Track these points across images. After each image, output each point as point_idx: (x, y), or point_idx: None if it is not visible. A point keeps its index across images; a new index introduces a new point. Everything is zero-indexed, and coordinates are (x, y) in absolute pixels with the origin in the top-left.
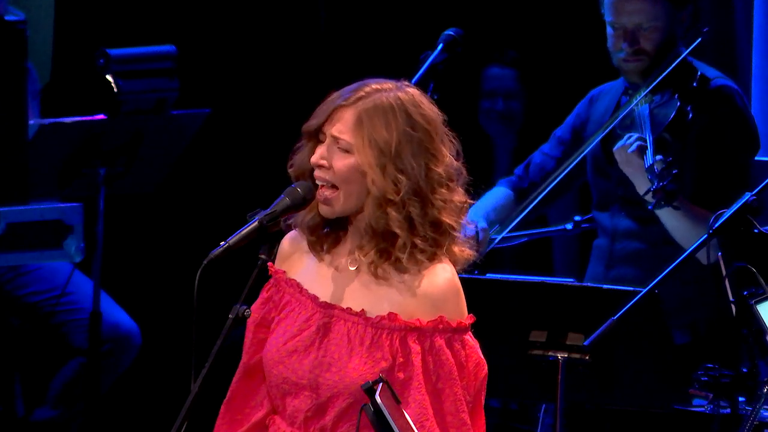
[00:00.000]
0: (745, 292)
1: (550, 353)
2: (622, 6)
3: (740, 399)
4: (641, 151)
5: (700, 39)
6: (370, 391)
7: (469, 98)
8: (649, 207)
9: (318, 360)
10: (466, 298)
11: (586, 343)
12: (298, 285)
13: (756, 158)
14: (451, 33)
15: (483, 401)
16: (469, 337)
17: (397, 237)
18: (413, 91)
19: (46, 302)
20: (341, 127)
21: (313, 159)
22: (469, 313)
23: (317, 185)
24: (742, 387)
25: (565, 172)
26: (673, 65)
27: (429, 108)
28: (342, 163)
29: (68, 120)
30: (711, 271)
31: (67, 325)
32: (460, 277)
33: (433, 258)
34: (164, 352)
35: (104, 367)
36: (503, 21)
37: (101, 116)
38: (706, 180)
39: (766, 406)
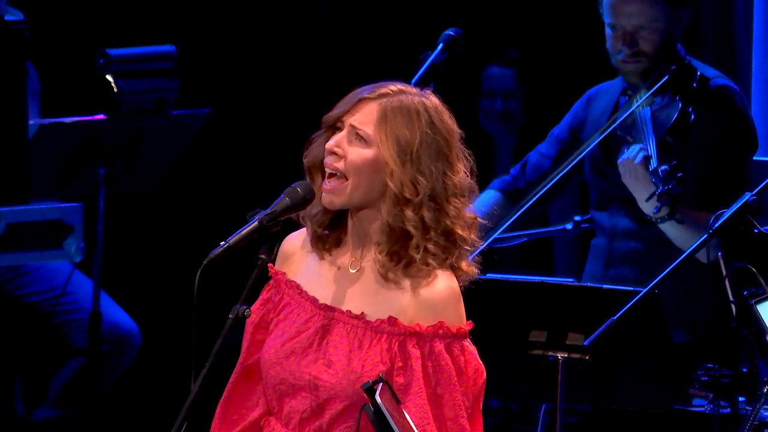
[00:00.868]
0: (745, 292)
1: (550, 353)
2: (621, 8)
3: (740, 399)
4: (647, 161)
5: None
6: (370, 391)
7: (469, 98)
8: (654, 211)
9: (316, 362)
10: (466, 299)
11: (586, 343)
12: (298, 286)
13: (756, 158)
14: (451, 33)
15: (481, 407)
16: (468, 343)
17: (411, 238)
18: (436, 100)
19: (46, 302)
20: (363, 118)
21: (329, 144)
22: (469, 313)
23: (321, 179)
24: (742, 387)
25: (563, 173)
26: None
27: (449, 119)
28: (358, 153)
29: (68, 120)
30: (711, 271)
31: (67, 325)
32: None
33: (442, 267)
34: (164, 352)
35: (104, 367)
36: (503, 21)
37: (101, 116)
38: (706, 180)
39: (766, 406)
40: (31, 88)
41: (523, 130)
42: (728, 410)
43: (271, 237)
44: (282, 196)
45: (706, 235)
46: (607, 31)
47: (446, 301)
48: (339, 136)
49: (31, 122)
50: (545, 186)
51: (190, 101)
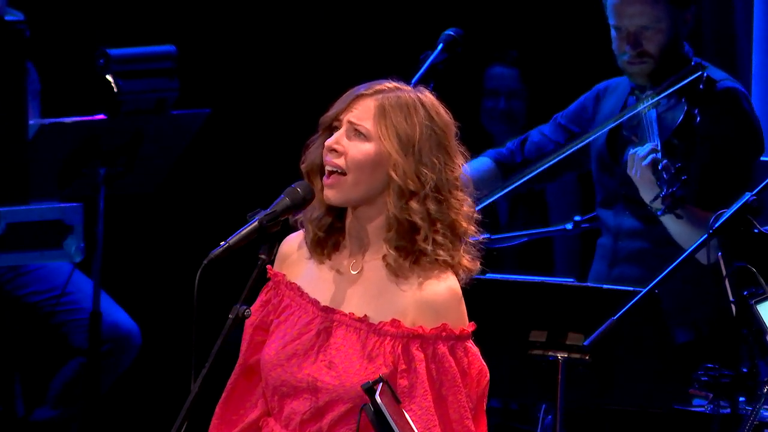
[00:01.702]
0: (745, 292)
1: (550, 353)
2: (623, 9)
3: (740, 399)
4: (654, 164)
5: (674, 88)
6: (370, 391)
7: (471, 98)
8: (658, 213)
9: (317, 364)
10: (466, 299)
11: (586, 343)
12: (299, 288)
13: None
14: (451, 33)
15: (485, 408)
16: (471, 345)
17: (419, 231)
18: (431, 95)
19: (46, 302)
20: (361, 114)
21: (328, 141)
22: (470, 313)
23: (321, 182)
24: (742, 387)
25: (555, 160)
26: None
27: (445, 113)
28: (358, 149)
29: (68, 120)
30: (711, 270)
31: (67, 325)
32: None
33: (451, 260)
34: (164, 352)
35: (104, 367)
36: (505, 21)
37: (101, 116)
38: (711, 182)
39: (766, 406)
40: (31, 88)
41: (526, 130)
42: (728, 410)
43: (271, 237)
44: (282, 196)
45: (706, 235)
46: (612, 32)
47: (448, 303)
48: (338, 134)
49: (31, 122)
50: (537, 169)
51: (190, 101)
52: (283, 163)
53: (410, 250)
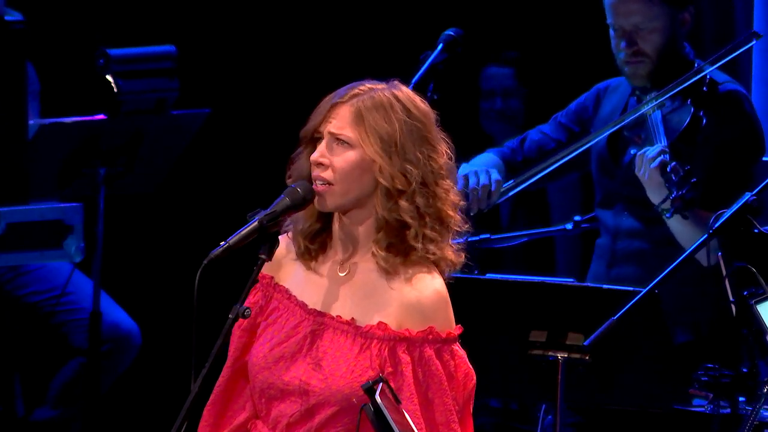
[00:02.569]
0: (745, 292)
1: (550, 353)
2: (619, 7)
3: (740, 399)
4: (663, 166)
5: (728, 57)
6: (370, 391)
7: (469, 99)
8: (667, 215)
9: (305, 367)
10: (465, 299)
11: (586, 343)
12: (287, 291)
13: None
14: (451, 33)
15: (471, 411)
16: (458, 348)
17: (409, 228)
18: (405, 89)
19: (46, 302)
20: (339, 123)
21: (313, 156)
22: (470, 313)
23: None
24: (742, 387)
25: (562, 161)
26: (686, 75)
27: (422, 103)
28: (343, 158)
29: (68, 120)
30: (711, 270)
31: (67, 325)
32: (460, 277)
33: (440, 253)
34: (164, 352)
35: (104, 367)
36: (502, 21)
37: (101, 116)
38: (713, 184)
39: (766, 406)
40: (31, 88)
41: (525, 129)
42: (728, 410)
43: (271, 237)
44: (282, 196)
45: (706, 235)
46: (610, 32)
47: (435, 306)
48: (321, 147)
49: (31, 122)
50: (548, 168)
51: (190, 101)
52: (283, 163)
53: (400, 248)
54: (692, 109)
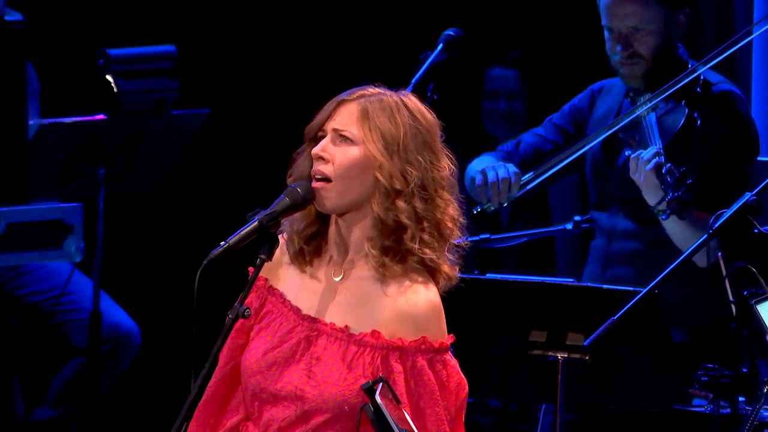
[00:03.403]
0: (745, 292)
1: (550, 353)
2: (615, 9)
3: (740, 399)
4: (659, 168)
5: (720, 57)
6: (370, 391)
7: (471, 99)
8: (662, 217)
9: (298, 374)
10: (465, 299)
11: (586, 343)
12: (281, 295)
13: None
14: (451, 33)
15: (463, 420)
16: (450, 357)
17: (405, 230)
18: (414, 98)
19: (46, 302)
20: (345, 120)
21: (315, 150)
22: (470, 313)
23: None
24: (742, 387)
25: (562, 164)
26: (680, 75)
27: (429, 113)
28: (345, 155)
29: (68, 120)
30: (711, 271)
31: (67, 325)
32: (460, 277)
33: (435, 260)
34: (164, 352)
35: (104, 367)
36: (504, 21)
37: (101, 116)
38: (708, 184)
39: (766, 406)
40: (31, 88)
41: (527, 130)
42: (728, 410)
43: (271, 237)
44: (282, 196)
45: (705, 236)
46: (605, 33)
47: (428, 316)
48: (324, 142)
49: (31, 122)
50: (548, 172)
51: (190, 101)
52: (284, 164)
53: (397, 250)
54: (686, 111)
